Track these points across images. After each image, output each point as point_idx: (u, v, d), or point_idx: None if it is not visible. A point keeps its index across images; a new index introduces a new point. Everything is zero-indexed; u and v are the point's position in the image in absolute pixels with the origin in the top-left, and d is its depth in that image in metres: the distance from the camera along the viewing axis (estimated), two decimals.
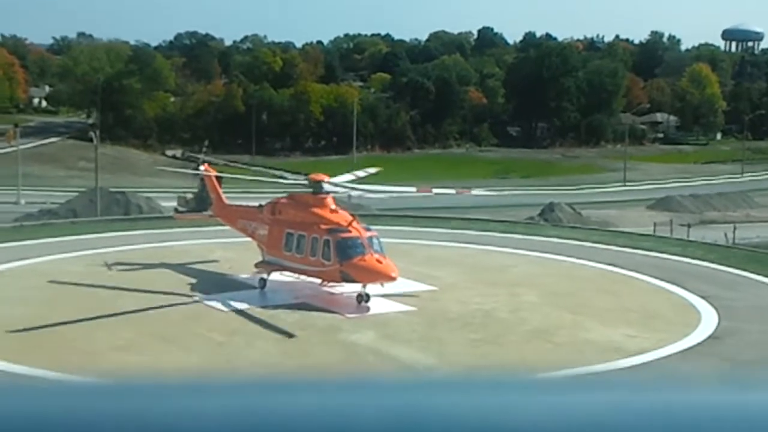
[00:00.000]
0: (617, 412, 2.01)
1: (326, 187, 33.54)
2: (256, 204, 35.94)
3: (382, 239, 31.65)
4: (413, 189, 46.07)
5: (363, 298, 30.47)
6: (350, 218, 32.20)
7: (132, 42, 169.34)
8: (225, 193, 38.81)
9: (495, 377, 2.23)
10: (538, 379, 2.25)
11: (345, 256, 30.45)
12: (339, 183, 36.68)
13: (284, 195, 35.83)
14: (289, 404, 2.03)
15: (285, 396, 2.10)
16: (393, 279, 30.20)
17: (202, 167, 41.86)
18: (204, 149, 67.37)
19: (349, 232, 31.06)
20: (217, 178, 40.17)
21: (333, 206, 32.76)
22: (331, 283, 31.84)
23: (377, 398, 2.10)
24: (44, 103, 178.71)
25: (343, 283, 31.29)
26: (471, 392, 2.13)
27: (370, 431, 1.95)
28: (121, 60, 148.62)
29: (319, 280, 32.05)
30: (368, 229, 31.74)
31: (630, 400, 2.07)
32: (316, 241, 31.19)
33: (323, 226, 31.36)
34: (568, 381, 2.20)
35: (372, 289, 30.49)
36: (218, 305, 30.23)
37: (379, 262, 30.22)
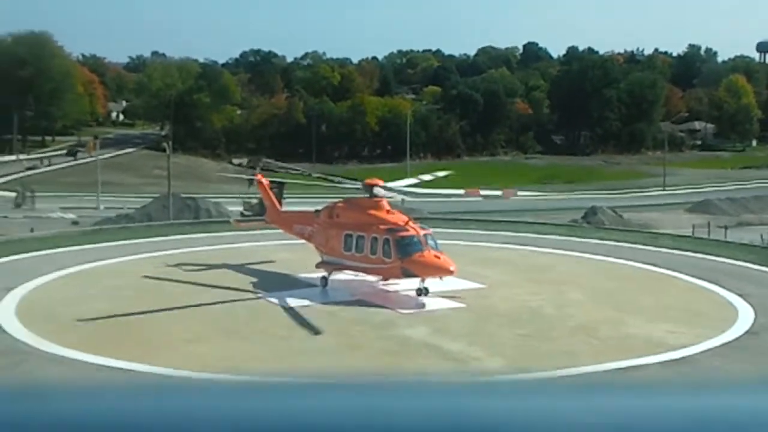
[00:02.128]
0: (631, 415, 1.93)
1: (379, 191, 33.55)
2: (313, 210, 36.06)
3: None
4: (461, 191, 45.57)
5: (422, 291, 30.38)
6: (406, 219, 32.26)
7: (201, 60, 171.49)
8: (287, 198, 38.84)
9: (507, 383, 2.13)
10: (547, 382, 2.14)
11: (405, 253, 30.36)
12: (394, 188, 36.74)
13: (340, 200, 35.94)
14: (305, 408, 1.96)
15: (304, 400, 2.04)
16: (452, 273, 30.07)
17: (255, 177, 41.78)
18: (263, 162, 67.43)
19: (407, 230, 31.00)
20: (278, 184, 40.26)
21: (389, 208, 32.81)
22: (392, 279, 31.77)
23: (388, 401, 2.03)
24: (121, 117, 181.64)
25: (403, 279, 31.18)
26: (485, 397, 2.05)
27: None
28: (191, 77, 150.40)
29: (376, 278, 32.08)
30: (424, 228, 31.73)
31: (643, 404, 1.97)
32: (376, 240, 31.12)
33: (382, 226, 31.29)
34: (577, 384, 2.10)
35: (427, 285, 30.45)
36: (280, 302, 30.35)
37: (437, 257, 30.16)
